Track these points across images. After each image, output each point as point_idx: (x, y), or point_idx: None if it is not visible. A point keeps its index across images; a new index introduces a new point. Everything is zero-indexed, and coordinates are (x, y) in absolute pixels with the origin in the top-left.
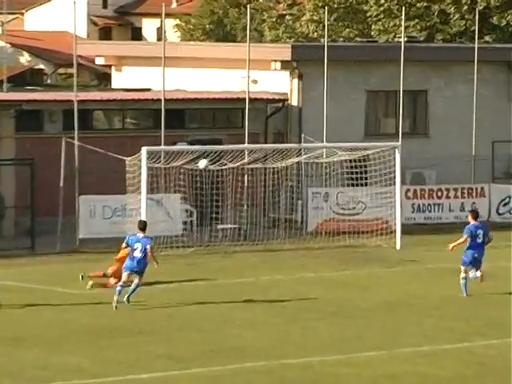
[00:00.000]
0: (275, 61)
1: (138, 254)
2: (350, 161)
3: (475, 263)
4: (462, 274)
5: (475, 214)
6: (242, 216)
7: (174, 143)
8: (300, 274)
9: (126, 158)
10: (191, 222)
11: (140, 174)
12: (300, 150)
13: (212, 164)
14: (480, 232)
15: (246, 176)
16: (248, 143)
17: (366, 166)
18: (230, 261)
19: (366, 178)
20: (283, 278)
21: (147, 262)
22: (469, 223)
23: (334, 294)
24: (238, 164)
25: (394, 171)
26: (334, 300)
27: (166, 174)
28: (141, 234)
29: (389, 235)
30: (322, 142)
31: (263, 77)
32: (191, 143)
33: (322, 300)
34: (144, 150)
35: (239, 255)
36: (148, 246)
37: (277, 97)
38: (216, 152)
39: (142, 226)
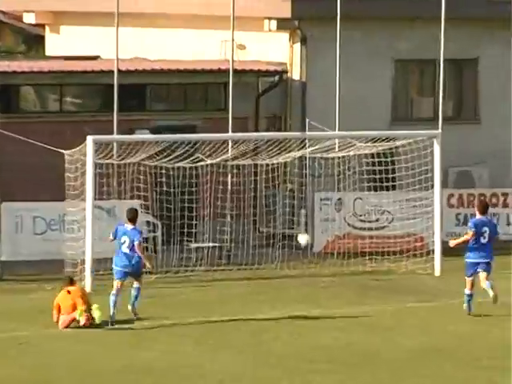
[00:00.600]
0: (270, 18)
1: (125, 249)
2: (372, 155)
3: (484, 268)
4: (467, 291)
5: (483, 207)
6: (224, 231)
7: (132, 131)
8: (303, 311)
9: (65, 152)
10: (154, 238)
11: (84, 172)
12: (304, 140)
13: (184, 160)
14: (486, 230)
15: (229, 176)
16: (233, 131)
17: (393, 163)
18: (207, 292)
19: (393, 180)
20: (280, 315)
21: (140, 259)
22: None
23: (348, 338)
24: (218, 160)
25: (433, 170)
26: (348, 346)
27: (121, 173)
28: (129, 226)
29: (425, 257)
30: (334, 129)
31: (253, 40)
32: (155, 131)
33: (332, 347)
34: (90, 139)
35: (220, 284)
36: (136, 242)
37: (272, 68)
38: (189, 143)
39: (131, 216)
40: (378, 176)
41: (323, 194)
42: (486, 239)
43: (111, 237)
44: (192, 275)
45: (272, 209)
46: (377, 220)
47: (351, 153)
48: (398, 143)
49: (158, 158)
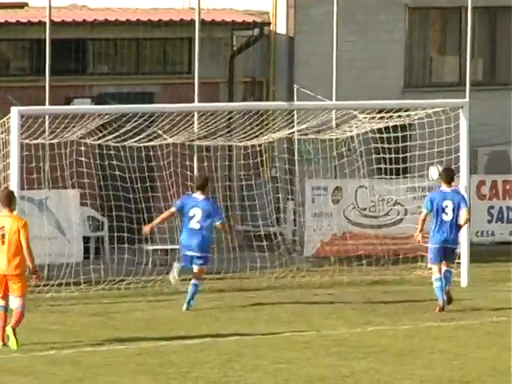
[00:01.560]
0: None
1: (195, 225)
2: (380, 132)
3: (445, 254)
4: (435, 275)
5: (448, 176)
6: None
7: (69, 100)
8: (291, 332)
9: None
10: (100, 239)
11: (7, 155)
12: (291, 112)
13: (137, 137)
14: (448, 204)
15: (195, 159)
16: (199, 101)
17: (406, 140)
18: (168, 307)
19: (406, 162)
20: (258, 337)
21: (211, 242)
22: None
23: (350, 368)
24: (182, 139)
25: (458, 150)
26: (350, 379)
27: (55, 155)
28: (200, 196)
29: None
30: (330, 99)
31: None
32: (99, 101)
33: (330, 379)
34: (15, 111)
35: (184, 297)
36: (218, 222)
37: (250, 18)
38: (144, 116)
39: (201, 183)
40: (387, 157)
41: (316, 181)
42: (450, 216)
43: (173, 209)
44: (148, 286)
45: (252, 202)
46: (385, 214)
47: (353, 131)
48: (412, 116)
49: (102, 135)
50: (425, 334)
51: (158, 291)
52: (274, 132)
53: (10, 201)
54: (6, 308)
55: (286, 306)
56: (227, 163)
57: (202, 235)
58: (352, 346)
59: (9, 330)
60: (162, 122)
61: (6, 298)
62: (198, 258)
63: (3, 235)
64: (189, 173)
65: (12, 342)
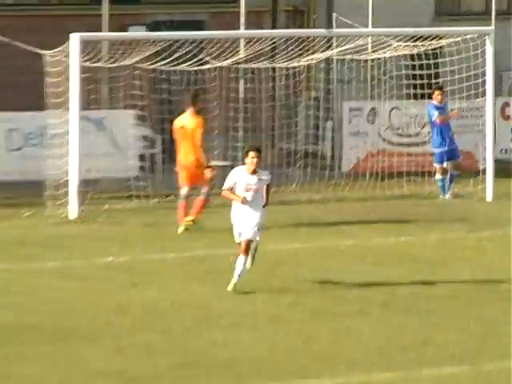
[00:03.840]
0: None
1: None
2: (412, 57)
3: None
4: (438, 176)
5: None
6: (236, 147)
7: (125, 28)
8: (330, 242)
9: (44, 52)
10: (153, 156)
11: (68, 77)
12: (330, 39)
13: (186, 62)
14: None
15: (241, 82)
16: (246, 27)
17: (437, 66)
18: (215, 219)
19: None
20: (302, 247)
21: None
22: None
23: (384, 274)
24: (229, 62)
25: (484, 74)
26: (383, 284)
27: (112, 78)
28: None
29: (474, 178)
30: (366, 26)
31: None
32: (153, 28)
33: (364, 284)
34: (75, 38)
35: (229, 210)
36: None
37: None
38: (194, 43)
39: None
40: (418, 82)
41: (353, 103)
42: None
43: None
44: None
45: (293, 121)
46: (417, 134)
47: (387, 54)
48: (442, 42)
49: (156, 60)
50: (453, 244)
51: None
52: (314, 54)
53: (193, 101)
54: (188, 197)
55: (324, 218)
56: (270, 85)
57: None
58: (386, 255)
59: (188, 219)
60: (210, 48)
61: (190, 187)
62: None
63: (185, 131)
64: (233, 95)
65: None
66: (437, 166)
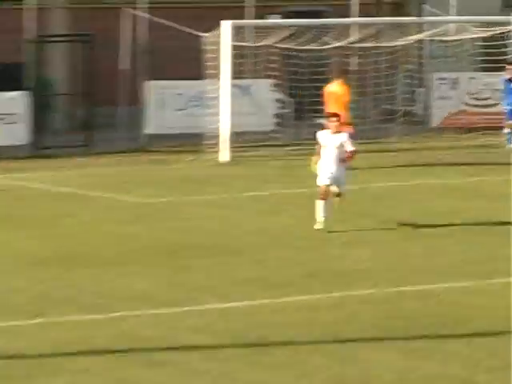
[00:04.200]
0: None
1: None
2: (484, 39)
3: None
4: (505, 130)
5: None
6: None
7: (265, 16)
8: (421, 180)
9: (204, 35)
10: (285, 114)
11: (221, 54)
12: (422, 24)
13: (312, 43)
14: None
15: (353, 58)
16: (358, 16)
17: (505, 46)
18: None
19: (504, 61)
20: (399, 184)
21: None
22: None
23: (464, 205)
24: (344, 43)
25: None
26: (463, 213)
27: (255, 54)
28: None
29: None
30: (448, 15)
31: None
32: (286, 16)
33: (448, 212)
34: (227, 24)
35: None
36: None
37: None
38: (317, 28)
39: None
40: (489, 58)
41: (440, 74)
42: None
43: None
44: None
45: (393, 88)
46: (488, 98)
47: (466, 36)
48: (509, 27)
49: (288, 41)
50: None
51: None
52: (409, 36)
53: (340, 73)
54: None
55: (417, 162)
56: (376, 59)
57: None
58: (466, 191)
59: None
60: (330, 32)
61: None
62: None
63: (334, 95)
64: (348, 68)
65: None
66: (507, 122)
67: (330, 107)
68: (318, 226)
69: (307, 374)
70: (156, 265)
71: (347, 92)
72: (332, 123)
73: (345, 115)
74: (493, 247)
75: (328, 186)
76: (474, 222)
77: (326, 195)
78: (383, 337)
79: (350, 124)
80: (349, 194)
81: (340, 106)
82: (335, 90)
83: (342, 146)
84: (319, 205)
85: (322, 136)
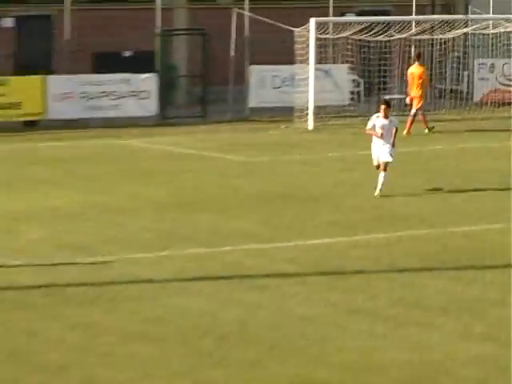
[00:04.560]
0: None
1: None
2: None
3: None
4: None
5: None
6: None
7: (343, 14)
8: (464, 144)
9: (295, 29)
10: (358, 92)
11: (308, 44)
12: (467, 21)
13: (379, 35)
14: None
15: (412, 47)
16: (415, 14)
17: None
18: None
19: None
20: (447, 147)
21: None
22: None
23: (500, 164)
24: (405, 35)
25: None
26: (499, 170)
27: (334, 44)
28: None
29: None
30: (488, 13)
31: None
32: (359, 14)
33: (486, 170)
34: (312, 20)
35: (404, 125)
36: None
37: None
38: (383, 23)
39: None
40: None
41: (480, 60)
42: None
43: None
44: None
45: (443, 71)
46: None
47: (502, 30)
48: None
49: (361, 33)
50: None
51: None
52: (456, 30)
53: (418, 57)
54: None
55: (462, 129)
56: (430, 49)
57: None
58: (501, 153)
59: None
60: (394, 27)
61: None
62: None
63: (414, 76)
64: (407, 54)
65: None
66: None
67: (411, 86)
68: (376, 193)
69: (374, 296)
70: (257, 210)
71: (424, 72)
72: (383, 110)
73: (420, 92)
74: None
75: (385, 162)
76: (507, 178)
77: (384, 168)
78: (435, 267)
79: (421, 98)
80: (407, 155)
81: (417, 85)
82: (414, 71)
83: (392, 127)
84: (381, 176)
85: (376, 120)
